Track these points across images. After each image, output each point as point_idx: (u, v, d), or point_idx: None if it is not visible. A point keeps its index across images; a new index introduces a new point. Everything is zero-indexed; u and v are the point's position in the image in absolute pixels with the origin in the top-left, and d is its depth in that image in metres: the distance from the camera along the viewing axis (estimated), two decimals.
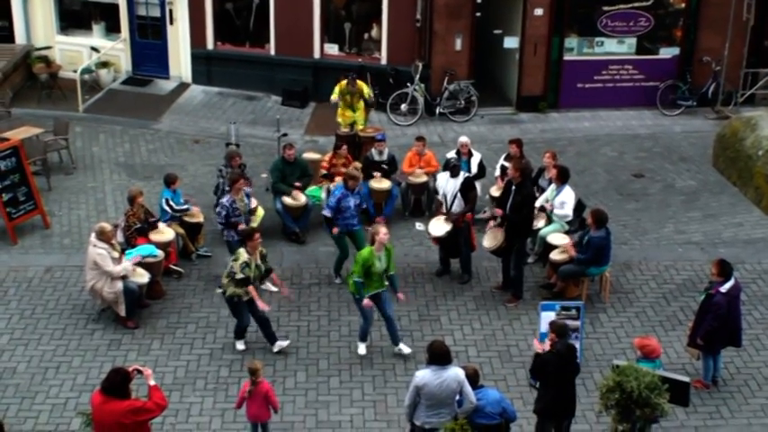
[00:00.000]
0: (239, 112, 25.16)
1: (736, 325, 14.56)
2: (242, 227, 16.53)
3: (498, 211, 16.71)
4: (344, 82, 21.88)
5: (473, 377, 12.27)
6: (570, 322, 14.09)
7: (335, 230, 17.06)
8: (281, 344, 15.46)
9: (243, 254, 14.93)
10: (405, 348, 15.47)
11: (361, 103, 21.95)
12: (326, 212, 17.12)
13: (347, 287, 15.60)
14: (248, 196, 17.64)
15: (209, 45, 26.30)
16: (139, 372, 11.61)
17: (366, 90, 22.05)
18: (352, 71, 22.81)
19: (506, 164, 18.30)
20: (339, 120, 21.90)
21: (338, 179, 18.86)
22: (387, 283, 15.22)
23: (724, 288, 14.15)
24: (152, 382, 11.61)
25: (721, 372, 14.93)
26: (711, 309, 14.15)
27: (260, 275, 15.17)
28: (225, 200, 16.98)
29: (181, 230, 17.95)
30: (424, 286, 17.52)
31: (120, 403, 11.22)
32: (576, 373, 12.92)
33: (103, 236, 15.81)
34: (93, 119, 24.56)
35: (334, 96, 21.96)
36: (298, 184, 18.81)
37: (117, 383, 11.29)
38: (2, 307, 16.66)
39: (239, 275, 14.80)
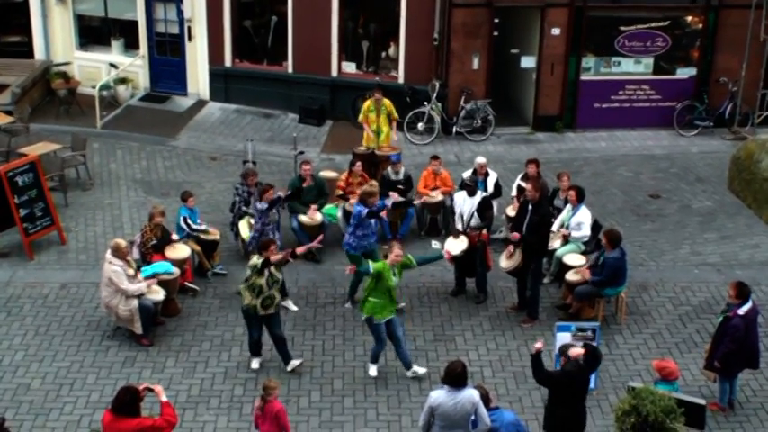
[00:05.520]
0: (256, 129, 25.22)
1: (754, 347, 14.48)
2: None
3: (516, 235, 16.65)
4: (369, 101, 21.89)
5: (484, 398, 12.24)
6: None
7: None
8: (294, 363, 15.45)
9: (254, 258, 15.03)
10: (419, 369, 15.43)
11: (387, 124, 21.90)
12: (349, 240, 17.20)
13: (361, 311, 15.47)
14: (278, 210, 17.75)
15: (227, 62, 26.38)
16: (150, 390, 11.62)
17: (392, 110, 21.98)
18: (375, 84, 22.85)
19: (523, 184, 18.27)
20: (364, 143, 21.85)
21: (354, 198, 18.90)
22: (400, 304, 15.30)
23: (742, 310, 14.07)
24: (164, 398, 11.63)
25: (737, 394, 14.86)
26: (729, 331, 14.07)
27: (275, 284, 15.02)
28: (259, 205, 17.17)
29: (197, 248, 17.97)
30: (440, 306, 17.49)
31: (130, 421, 11.24)
32: (586, 391, 12.89)
33: (118, 252, 15.83)
34: (110, 135, 24.65)
35: (362, 117, 21.98)
36: (314, 206, 18.83)
37: (126, 402, 11.32)
38: (17, 323, 16.70)
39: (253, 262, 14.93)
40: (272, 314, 15.13)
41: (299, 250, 15.76)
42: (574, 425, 12.83)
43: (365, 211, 16.84)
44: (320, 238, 16.41)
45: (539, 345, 12.86)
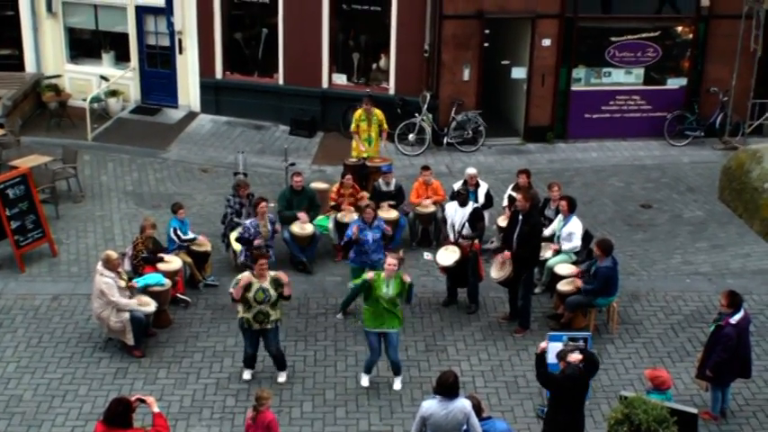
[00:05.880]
0: (247, 141, 25.21)
1: (746, 356, 14.50)
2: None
3: (506, 255, 16.64)
4: (360, 110, 21.94)
5: (476, 408, 12.22)
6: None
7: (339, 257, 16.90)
8: (282, 377, 15.48)
9: (245, 274, 14.96)
10: (396, 383, 15.37)
11: (377, 133, 21.97)
12: (351, 254, 17.33)
13: (362, 320, 15.43)
14: (272, 223, 17.74)
15: (218, 74, 26.40)
16: (142, 401, 11.60)
17: (383, 120, 22.03)
18: (365, 96, 22.95)
19: (514, 194, 18.29)
20: (354, 153, 21.87)
21: (345, 207, 18.96)
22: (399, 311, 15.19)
23: (734, 319, 14.08)
24: (156, 410, 11.61)
25: (729, 403, 14.86)
26: (721, 340, 14.07)
27: (266, 300, 14.80)
28: (249, 222, 17.12)
29: (188, 259, 17.95)
30: (431, 316, 17.48)
31: None
32: (585, 397, 12.90)
33: (109, 264, 15.81)
34: (101, 147, 24.63)
35: (353, 127, 22.01)
36: (302, 213, 18.80)
37: (119, 413, 11.31)
38: (9, 335, 16.65)
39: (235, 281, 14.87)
40: (267, 329, 15.04)
41: (287, 292, 15.20)
42: (573, 429, 12.85)
43: (345, 239, 17.28)
44: (288, 286, 15.59)
45: (543, 344, 12.99)
